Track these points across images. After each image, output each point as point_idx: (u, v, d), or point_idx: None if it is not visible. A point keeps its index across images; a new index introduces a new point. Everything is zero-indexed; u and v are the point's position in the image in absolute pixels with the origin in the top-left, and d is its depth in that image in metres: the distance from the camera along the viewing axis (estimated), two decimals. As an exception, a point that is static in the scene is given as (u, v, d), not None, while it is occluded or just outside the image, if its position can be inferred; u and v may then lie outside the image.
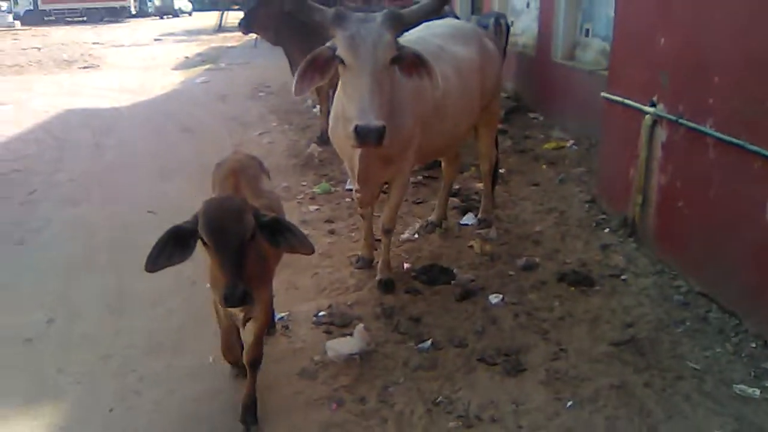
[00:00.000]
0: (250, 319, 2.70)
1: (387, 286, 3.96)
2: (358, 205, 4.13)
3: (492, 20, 7.95)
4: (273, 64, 13.80)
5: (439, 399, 2.97)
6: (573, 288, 3.94)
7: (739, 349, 3.28)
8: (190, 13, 46.38)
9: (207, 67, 15.13)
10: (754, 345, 3.28)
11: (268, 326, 3.22)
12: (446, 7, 10.09)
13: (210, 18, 34.91)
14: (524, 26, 9.54)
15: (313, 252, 2.47)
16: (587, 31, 7.54)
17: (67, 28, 32.03)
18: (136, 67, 15.88)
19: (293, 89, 3.13)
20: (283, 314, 3.70)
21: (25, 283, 4.27)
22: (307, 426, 2.83)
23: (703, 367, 3.16)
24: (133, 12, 42.35)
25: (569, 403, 2.92)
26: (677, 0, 4.05)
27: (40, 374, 3.29)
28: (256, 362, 2.79)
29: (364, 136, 2.89)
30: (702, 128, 3.72)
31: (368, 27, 2.99)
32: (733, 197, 3.53)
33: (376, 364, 3.25)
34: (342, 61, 2.99)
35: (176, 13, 44.38)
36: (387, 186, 4.03)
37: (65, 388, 3.18)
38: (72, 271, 4.42)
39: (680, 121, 3.93)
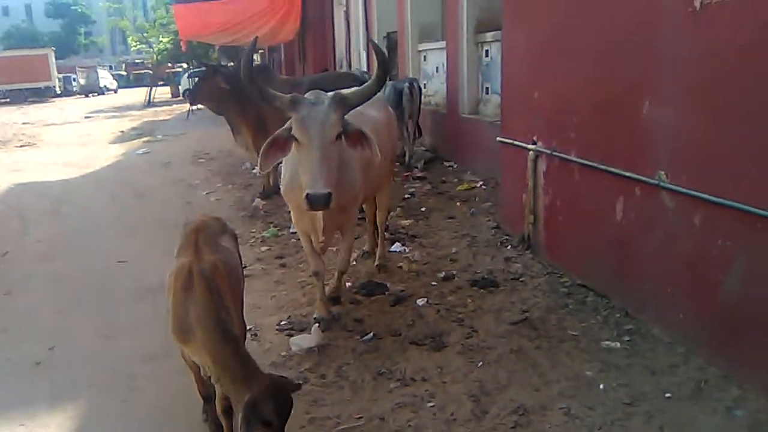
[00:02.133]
0: None
1: (335, 301, 4.69)
2: (321, 250, 4.50)
3: (406, 84, 9.13)
4: (207, 134, 14.75)
5: (382, 371, 3.85)
6: (482, 290, 4.91)
7: (607, 319, 4.30)
8: (115, 90, 46.94)
9: (145, 139, 15.90)
10: (618, 315, 4.31)
11: None
12: (357, 71, 11.31)
13: (136, 94, 35.59)
14: (436, 88, 10.81)
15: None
16: (487, 89, 8.82)
17: (-9, 109, 32.00)
18: (74, 143, 16.46)
19: (258, 167, 3.74)
20: (251, 326, 4.52)
21: (22, 323, 4.94)
22: (282, 396, 3.67)
23: (580, 333, 4.16)
24: (58, 91, 42.60)
25: (480, 364, 3.85)
26: (544, 64, 5.22)
27: (54, 385, 3.99)
28: None
29: (314, 201, 3.41)
30: (568, 157, 4.85)
31: (317, 110, 3.49)
32: (593, 207, 4.62)
33: (331, 352, 4.12)
34: (296, 139, 3.52)
35: (102, 91, 44.83)
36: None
37: (80, 392, 3.90)
38: (62, 311, 5.11)
39: (553, 153, 5.05)
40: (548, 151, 5.12)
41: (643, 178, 3.99)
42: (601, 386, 3.52)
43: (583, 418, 3.26)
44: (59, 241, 7.05)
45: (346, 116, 3.64)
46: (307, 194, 3.41)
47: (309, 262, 4.58)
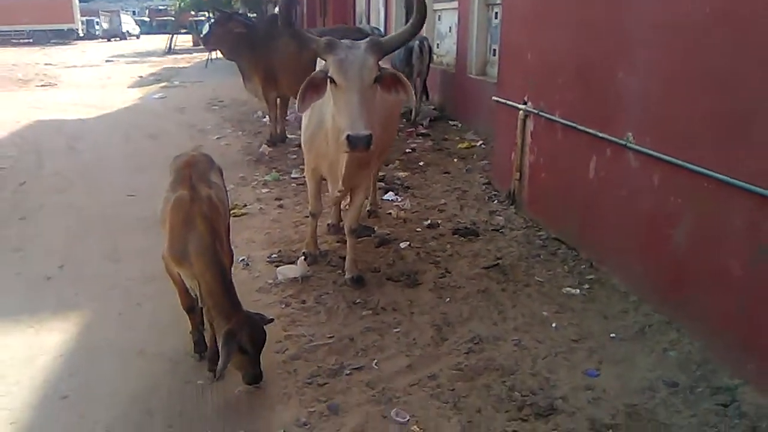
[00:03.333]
0: None
1: (358, 281, 4.43)
2: (334, 203, 4.77)
3: (417, 43, 9.33)
4: (223, 83, 15.07)
5: (357, 300, 4.20)
6: (463, 238, 5.24)
7: (573, 269, 4.61)
8: (137, 36, 47.12)
9: (162, 85, 16.25)
10: (583, 266, 4.63)
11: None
12: (367, 26, 11.52)
13: (157, 41, 35.74)
14: (448, 48, 11.01)
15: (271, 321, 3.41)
16: (494, 51, 9.02)
17: (15, 49, 32.38)
18: (93, 85, 16.85)
19: (297, 107, 3.64)
20: (243, 257, 4.89)
21: (36, 244, 5.34)
22: (265, 316, 4.05)
23: (545, 279, 4.48)
24: (81, 34, 42.84)
25: (447, 300, 4.20)
26: (537, 28, 5.45)
27: (61, 297, 4.39)
28: None
29: (355, 143, 3.32)
30: (553, 117, 5.11)
31: (355, 53, 3.46)
32: (571, 165, 4.90)
33: (314, 283, 4.48)
34: (333, 81, 3.47)
35: (124, 36, 45.05)
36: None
37: (83, 304, 4.29)
38: (72, 236, 5.51)
39: (540, 113, 5.32)
40: (536, 111, 5.38)
41: (614, 139, 4.26)
42: (554, 325, 3.86)
43: (530, 349, 3.60)
44: (73, 175, 7.44)
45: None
46: (348, 136, 3.34)
47: (310, 203, 4.77)
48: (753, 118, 3.11)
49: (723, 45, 3.31)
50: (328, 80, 3.51)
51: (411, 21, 3.71)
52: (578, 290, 4.30)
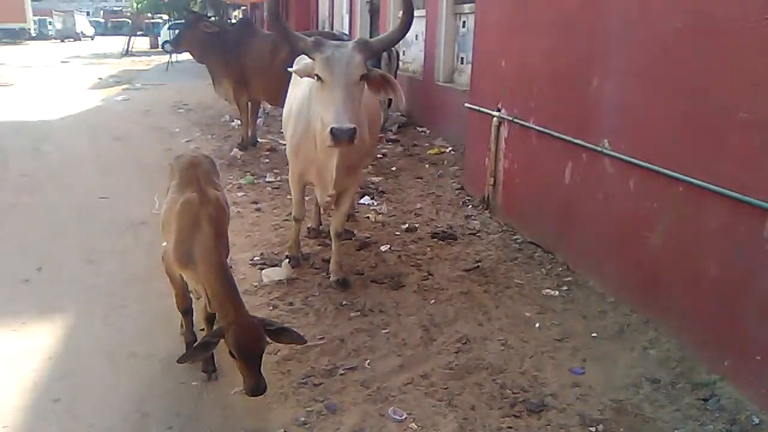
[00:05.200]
0: None
1: (344, 284, 4.46)
2: (324, 208, 4.78)
3: (385, 48, 9.45)
4: (186, 86, 14.94)
5: (344, 302, 4.26)
6: (441, 241, 5.35)
7: (550, 272, 4.77)
8: (92, 37, 46.20)
9: (123, 87, 16.02)
10: (561, 269, 4.78)
11: None
12: (337, 32, 11.62)
13: (113, 42, 35.14)
14: (414, 55, 11.16)
15: (305, 343, 3.24)
16: (462, 59, 9.20)
17: (-37, 48, 31.43)
18: (52, 86, 16.52)
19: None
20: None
21: (10, 245, 5.24)
22: (253, 319, 4.08)
23: (524, 281, 4.62)
24: (33, 34, 41.83)
25: (432, 302, 4.30)
26: (511, 36, 5.61)
27: (42, 299, 4.32)
28: None
29: (338, 135, 3.36)
30: (527, 124, 5.27)
31: (342, 50, 3.53)
32: (546, 171, 5.06)
33: (299, 285, 4.52)
34: (320, 79, 3.55)
35: (78, 37, 44.13)
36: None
37: (66, 306, 4.24)
38: (47, 237, 5.42)
39: (515, 120, 5.47)
40: (510, 118, 5.53)
41: (590, 145, 4.43)
42: (537, 325, 3.99)
43: (517, 348, 3.72)
44: (42, 176, 7.32)
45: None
46: (332, 129, 3.38)
47: (294, 208, 4.77)
48: (727, 124, 3.28)
49: (696, 51, 3.49)
50: (315, 78, 3.58)
51: (400, 21, 3.78)
52: (557, 292, 4.44)
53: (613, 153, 4.19)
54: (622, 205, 4.18)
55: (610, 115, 4.26)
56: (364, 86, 3.65)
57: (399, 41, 4.07)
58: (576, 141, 4.58)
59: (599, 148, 4.31)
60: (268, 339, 2.94)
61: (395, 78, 9.86)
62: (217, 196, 3.32)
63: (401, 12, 3.85)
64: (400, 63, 10.60)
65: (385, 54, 9.40)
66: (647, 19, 3.86)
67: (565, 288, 4.49)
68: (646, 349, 3.70)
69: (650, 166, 3.84)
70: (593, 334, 3.88)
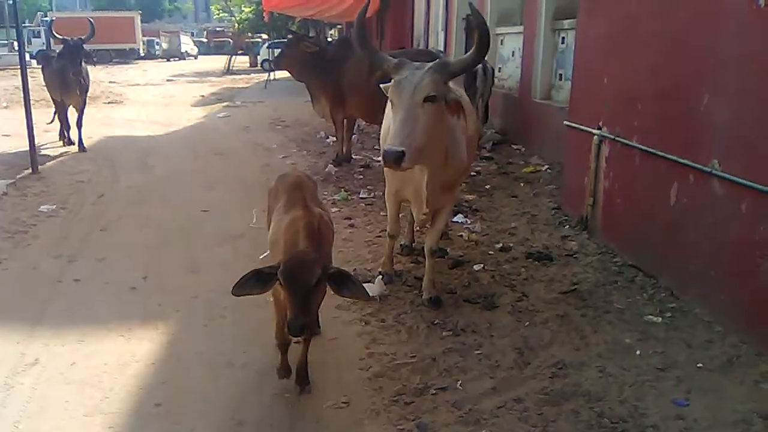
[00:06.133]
0: None
1: (436, 302, 4.43)
2: (420, 225, 4.81)
3: (480, 65, 9.39)
4: (284, 103, 15.36)
5: (436, 321, 4.23)
6: (537, 262, 5.23)
7: (652, 297, 4.55)
8: (195, 57, 48.42)
9: (224, 104, 16.66)
10: (663, 294, 4.56)
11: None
12: (433, 49, 11.64)
13: (215, 61, 36.62)
14: (510, 72, 11.04)
15: (369, 298, 3.32)
16: (560, 75, 9.02)
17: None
18: (157, 103, 17.39)
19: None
20: (319, 275, 4.96)
21: (117, 255, 5.52)
22: (345, 333, 4.10)
23: (625, 307, 4.43)
24: (142, 54, 44.28)
25: (527, 324, 4.19)
26: (614, 53, 5.45)
27: (146, 307, 4.52)
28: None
29: (385, 158, 3.45)
30: (631, 143, 5.08)
31: (416, 73, 3.56)
32: (650, 191, 4.86)
33: (391, 302, 4.52)
34: (390, 100, 3.70)
35: (183, 56, 46.39)
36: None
37: (169, 314, 4.42)
38: (152, 248, 5.68)
39: (617, 138, 5.29)
40: (612, 137, 5.36)
41: (698, 166, 4.22)
42: (638, 352, 3.81)
43: (616, 376, 3.57)
44: (147, 189, 7.69)
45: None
46: (384, 149, 3.48)
47: (389, 225, 4.82)
48: None
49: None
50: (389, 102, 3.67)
51: (476, 45, 3.68)
52: (660, 318, 4.23)
53: (723, 174, 3.97)
54: (733, 229, 3.95)
55: (720, 134, 4.05)
56: (435, 108, 3.59)
57: (474, 66, 4.05)
58: (683, 161, 4.37)
59: (708, 169, 4.10)
60: (328, 286, 2.92)
61: (490, 94, 9.88)
62: (322, 214, 3.34)
63: (477, 38, 3.71)
64: (495, 80, 10.50)
65: (480, 70, 9.34)
66: (764, 35, 3.65)
67: (669, 314, 4.27)
68: (758, 383, 3.45)
69: (765, 188, 3.62)
70: (699, 365, 3.67)
